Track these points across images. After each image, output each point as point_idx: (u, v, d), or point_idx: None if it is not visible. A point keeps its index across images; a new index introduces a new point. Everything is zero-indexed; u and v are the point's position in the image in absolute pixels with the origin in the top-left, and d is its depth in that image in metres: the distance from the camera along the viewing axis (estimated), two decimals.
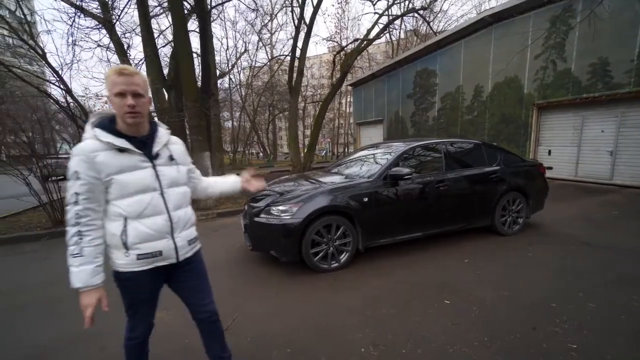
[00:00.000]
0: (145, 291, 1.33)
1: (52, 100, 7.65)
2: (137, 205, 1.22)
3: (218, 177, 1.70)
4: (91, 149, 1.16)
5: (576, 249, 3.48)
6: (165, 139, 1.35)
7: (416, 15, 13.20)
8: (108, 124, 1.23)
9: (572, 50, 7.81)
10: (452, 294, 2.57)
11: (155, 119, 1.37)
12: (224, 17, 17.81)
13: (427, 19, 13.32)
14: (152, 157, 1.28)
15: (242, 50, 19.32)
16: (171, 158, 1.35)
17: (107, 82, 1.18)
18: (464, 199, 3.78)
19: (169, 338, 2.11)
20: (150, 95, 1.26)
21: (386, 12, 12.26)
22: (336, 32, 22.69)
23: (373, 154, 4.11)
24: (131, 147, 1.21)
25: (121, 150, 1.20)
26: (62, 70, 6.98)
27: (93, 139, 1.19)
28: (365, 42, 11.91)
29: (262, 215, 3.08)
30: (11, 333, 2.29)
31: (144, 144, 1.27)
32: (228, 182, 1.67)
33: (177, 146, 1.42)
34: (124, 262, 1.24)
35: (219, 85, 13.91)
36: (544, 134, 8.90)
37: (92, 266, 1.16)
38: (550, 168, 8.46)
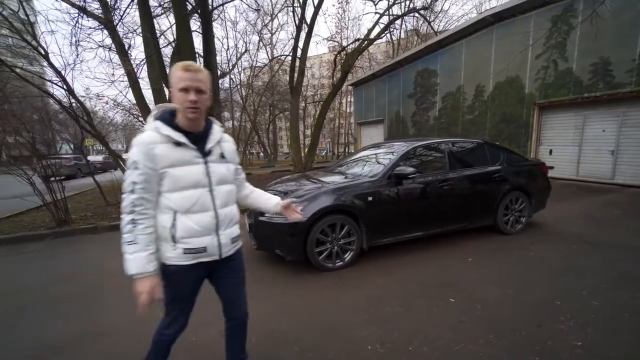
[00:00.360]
0: (188, 286, 1.35)
1: (54, 101, 7.68)
2: (187, 200, 1.24)
3: (261, 191, 1.68)
4: (150, 141, 1.19)
5: (579, 248, 3.50)
6: (219, 136, 1.36)
7: (417, 15, 13.23)
8: (169, 118, 1.26)
9: (573, 50, 7.83)
10: (456, 293, 2.59)
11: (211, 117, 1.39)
12: (225, 17, 17.85)
13: (428, 18, 13.35)
14: (205, 154, 1.29)
15: (243, 51, 19.32)
16: (222, 156, 1.36)
17: (172, 76, 1.21)
18: (467, 198, 3.80)
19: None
20: (210, 91, 1.29)
21: (387, 12, 12.28)
22: (337, 32, 22.74)
23: (375, 154, 4.12)
24: (187, 142, 1.24)
25: (178, 144, 1.23)
26: (64, 70, 7.01)
27: (153, 130, 1.22)
28: (366, 42, 11.93)
29: (266, 215, 3.10)
30: (17, 331, 2.30)
31: (199, 139, 1.29)
32: (270, 203, 1.62)
33: (229, 144, 1.43)
34: (171, 255, 1.27)
35: (219, 85, 13.93)
36: (545, 134, 8.91)
37: (146, 253, 1.19)
38: (552, 167, 8.47)
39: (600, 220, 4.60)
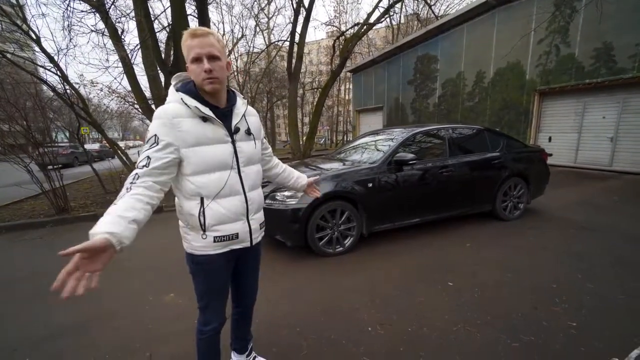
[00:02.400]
0: (220, 275, 1.27)
1: (48, 87, 7.53)
2: (215, 183, 1.13)
3: (291, 169, 1.61)
4: (175, 113, 1.06)
5: (576, 233, 3.55)
6: (243, 110, 1.22)
7: None
8: (194, 89, 1.12)
9: (576, 35, 7.70)
10: (455, 277, 2.63)
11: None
12: (220, 1, 17.31)
13: (429, 2, 13.03)
14: (232, 131, 1.17)
15: (240, 36, 18.89)
16: (248, 132, 1.22)
17: (183, 48, 1.08)
18: (467, 184, 3.81)
19: (179, 319, 2.17)
20: (228, 58, 1.15)
21: None
22: (335, 16, 22.24)
23: (375, 141, 4.10)
24: (215, 117, 1.11)
25: (205, 119, 1.10)
26: (57, 56, 6.86)
27: (178, 102, 1.09)
28: (365, 27, 11.67)
29: (267, 201, 3.10)
30: (28, 315, 2.34)
31: (224, 116, 1.15)
32: (300, 181, 1.58)
33: (254, 118, 1.29)
34: (201, 244, 1.17)
35: None
36: (545, 121, 8.88)
37: (113, 216, 0.91)
38: (550, 155, 8.48)
39: (598, 206, 4.64)
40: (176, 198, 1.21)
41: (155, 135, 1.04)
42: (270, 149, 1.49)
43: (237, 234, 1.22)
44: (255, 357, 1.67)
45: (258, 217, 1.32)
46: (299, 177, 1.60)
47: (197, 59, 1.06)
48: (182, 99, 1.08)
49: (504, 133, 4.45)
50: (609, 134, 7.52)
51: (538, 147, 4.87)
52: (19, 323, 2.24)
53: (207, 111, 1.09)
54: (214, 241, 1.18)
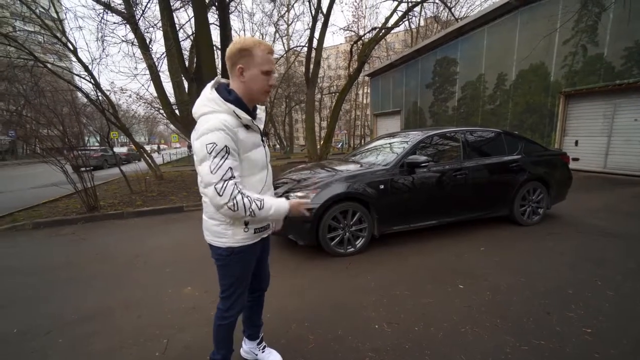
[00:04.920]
0: (252, 263, 1.41)
1: (83, 94, 8.10)
2: (260, 183, 1.29)
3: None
4: (234, 124, 1.15)
5: (598, 240, 3.40)
6: (263, 115, 1.36)
7: (437, 1, 12.78)
8: (242, 101, 1.21)
9: (605, 34, 7.37)
10: (466, 280, 2.61)
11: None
12: (242, 9, 17.92)
13: (449, 4, 12.87)
14: (262, 135, 1.32)
15: None
16: (265, 134, 1.40)
17: (252, 55, 1.16)
18: (482, 187, 3.75)
19: (195, 310, 2.29)
20: None
21: None
22: (353, 21, 22.37)
23: (390, 143, 4.13)
24: (254, 124, 1.25)
25: (248, 127, 1.22)
26: (91, 65, 7.38)
27: (230, 114, 1.16)
28: (383, 31, 11.68)
29: None
30: (60, 300, 2.55)
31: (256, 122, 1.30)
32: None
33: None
34: (242, 237, 1.29)
35: None
36: (571, 124, 8.51)
37: (275, 198, 1.26)
38: (577, 159, 8.12)
39: (626, 213, 4.41)
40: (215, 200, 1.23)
41: (226, 146, 1.11)
42: None
43: (269, 224, 1.40)
44: (265, 346, 1.75)
45: None
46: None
47: (269, 72, 1.20)
48: (234, 111, 1.16)
49: (522, 136, 4.34)
50: None
51: (559, 150, 4.70)
52: (54, 307, 2.45)
53: (252, 124, 1.23)
54: (255, 232, 1.32)
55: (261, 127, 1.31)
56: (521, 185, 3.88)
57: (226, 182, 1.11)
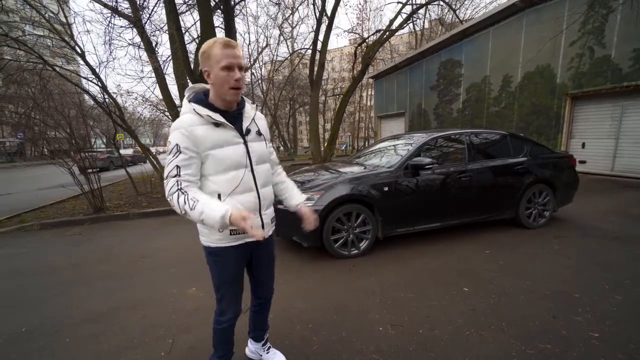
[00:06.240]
0: (233, 267, 1.36)
1: (90, 97, 8.22)
2: (231, 182, 1.23)
3: (292, 183, 1.62)
4: (190, 123, 1.17)
5: (606, 243, 3.36)
6: (253, 114, 1.33)
7: (442, 3, 12.76)
8: (204, 98, 1.23)
9: (612, 35, 7.30)
10: (471, 282, 2.59)
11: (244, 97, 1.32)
12: (246, 13, 18.06)
13: (454, 6, 12.86)
14: (243, 133, 1.28)
15: (264, 45, 19.52)
16: (259, 133, 1.34)
17: (210, 55, 1.14)
18: (487, 190, 3.73)
19: (199, 310, 2.31)
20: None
21: (410, 1, 11.94)
22: (358, 23, 22.40)
23: (394, 145, 4.13)
24: (226, 122, 1.21)
25: (217, 124, 1.20)
26: (99, 68, 7.48)
27: (191, 112, 1.19)
28: (387, 33, 11.69)
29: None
30: (65, 301, 2.58)
31: (235, 119, 1.26)
32: (293, 200, 1.54)
33: (263, 121, 1.40)
34: (217, 237, 1.28)
35: None
36: (578, 126, 8.42)
37: (213, 200, 1.16)
38: (584, 162, 8.03)
39: (635, 216, 4.34)
40: None
41: (177, 144, 1.15)
42: (275, 156, 1.55)
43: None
44: (269, 347, 1.75)
45: (269, 212, 1.42)
46: (292, 197, 1.55)
47: (229, 68, 1.14)
48: (194, 109, 1.19)
49: (528, 138, 4.31)
50: None
51: (566, 152, 4.65)
52: (60, 307, 2.48)
53: (217, 117, 1.20)
54: (230, 234, 1.29)
55: (244, 125, 1.29)
56: (527, 187, 3.85)
57: (170, 178, 1.17)
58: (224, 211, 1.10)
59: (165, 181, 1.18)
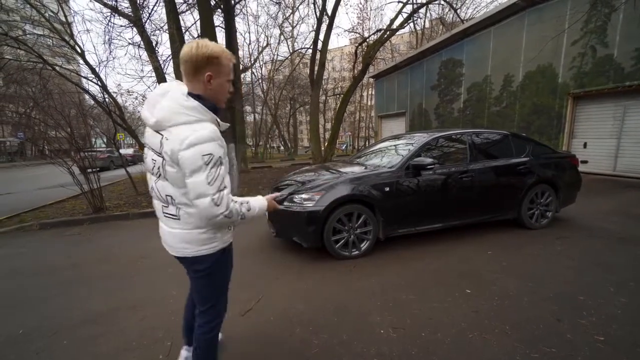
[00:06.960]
0: (232, 259, 1.46)
1: (90, 97, 8.19)
2: (228, 184, 1.27)
3: None
4: (218, 133, 1.16)
5: (609, 244, 3.33)
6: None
7: (442, 2, 12.72)
8: (216, 108, 1.22)
9: (614, 35, 7.26)
10: (474, 284, 2.56)
11: None
12: (247, 12, 18.02)
13: (454, 6, 12.81)
14: None
15: (264, 44, 19.49)
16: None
17: (221, 63, 1.17)
18: (489, 190, 3.70)
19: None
20: None
21: (410, 1, 11.90)
22: (358, 23, 22.34)
23: (395, 145, 4.10)
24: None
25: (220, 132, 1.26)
26: (99, 67, 7.46)
27: (214, 123, 1.19)
28: (388, 33, 11.65)
29: (285, 203, 3.19)
30: (64, 302, 2.56)
31: None
32: None
33: None
34: (229, 235, 1.35)
35: (241, 79, 14.20)
36: (579, 126, 8.38)
37: (250, 197, 1.30)
38: (586, 162, 7.99)
39: (638, 216, 4.31)
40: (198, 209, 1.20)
41: (219, 157, 1.12)
42: None
43: None
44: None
45: None
46: None
47: (231, 81, 1.25)
48: (217, 120, 1.20)
49: (530, 138, 4.28)
50: None
51: (568, 152, 4.62)
52: (60, 307, 2.46)
53: (224, 126, 1.25)
54: (233, 230, 1.40)
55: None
56: (529, 188, 3.81)
57: (221, 192, 1.13)
58: (261, 198, 1.34)
59: (216, 196, 1.11)
